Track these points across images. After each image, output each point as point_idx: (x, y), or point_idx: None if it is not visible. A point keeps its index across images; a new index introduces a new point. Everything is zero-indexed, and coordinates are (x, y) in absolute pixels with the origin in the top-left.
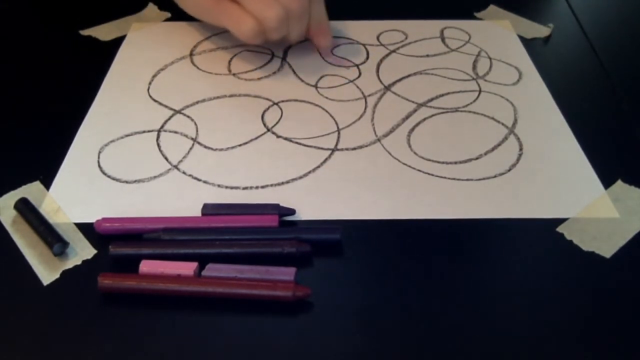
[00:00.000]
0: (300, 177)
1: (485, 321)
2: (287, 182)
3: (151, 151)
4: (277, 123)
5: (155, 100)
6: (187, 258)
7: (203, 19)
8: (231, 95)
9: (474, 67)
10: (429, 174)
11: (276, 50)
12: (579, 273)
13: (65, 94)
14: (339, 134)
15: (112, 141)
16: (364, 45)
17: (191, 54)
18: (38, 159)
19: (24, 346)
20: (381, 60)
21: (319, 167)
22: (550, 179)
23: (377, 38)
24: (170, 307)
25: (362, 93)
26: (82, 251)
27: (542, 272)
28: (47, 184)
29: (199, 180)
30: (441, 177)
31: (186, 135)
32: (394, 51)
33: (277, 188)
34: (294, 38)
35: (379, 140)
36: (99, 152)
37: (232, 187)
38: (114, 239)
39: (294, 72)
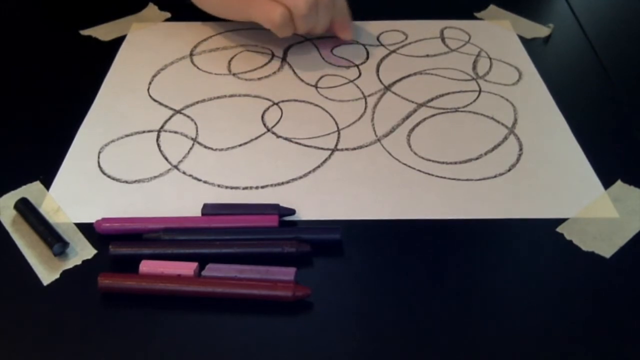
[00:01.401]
0: (300, 177)
1: (485, 321)
2: (287, 182)
3: (151, 151)
4: (277, 123)
5: (155, 100)
6: (187, 258)
7: (227, 17)
8: (231, 95)
9: (474, 67)
10: (429, 174)
11: (276, 50)
12: (579, 273)
13: (65, 94)
14: (339, 134)
15: (112, 141)
16: (364, 45)
17: (191, 54)
18: (38, 159)
19: (24, 346)
20: (381, 61)
21: (319, 167)
22: (550, 179)
23: (377, 38)
24: (170, 307)
25: (362, 93)
26: (82, 251)
27: (542, 272)
28: (47, 184)
29: (199, 180)
30: (441, 177)
31: (186, 135)
32: (394, 51)
33: (277, 188)
34: (320, 29)
35: (379, 140)
36: (99, 152)
37: (232, 187)
38: (114, 239)
39: (294, 72)
